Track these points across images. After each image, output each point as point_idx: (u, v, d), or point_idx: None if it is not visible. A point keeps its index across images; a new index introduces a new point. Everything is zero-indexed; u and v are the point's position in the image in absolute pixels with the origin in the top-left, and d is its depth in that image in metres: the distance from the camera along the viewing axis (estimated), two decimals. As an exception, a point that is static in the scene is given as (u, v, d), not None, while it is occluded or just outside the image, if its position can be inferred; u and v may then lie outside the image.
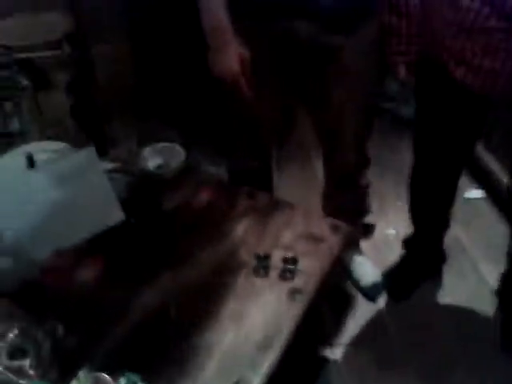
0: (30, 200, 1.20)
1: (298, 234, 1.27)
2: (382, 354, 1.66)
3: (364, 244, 1.96)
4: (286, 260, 1.17)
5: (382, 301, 1.85)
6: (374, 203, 2.11)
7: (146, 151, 1.40)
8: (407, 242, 1.90)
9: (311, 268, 1.18)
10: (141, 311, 1.07)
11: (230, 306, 1.10)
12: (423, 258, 1.87)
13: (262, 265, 1.17)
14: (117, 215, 1.19)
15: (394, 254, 2.01)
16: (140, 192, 1.31)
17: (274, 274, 1.17)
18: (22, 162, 1.29)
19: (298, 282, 1.15)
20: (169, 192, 1.35)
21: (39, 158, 1.29)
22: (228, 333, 1.04)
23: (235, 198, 1.37)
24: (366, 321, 1.78)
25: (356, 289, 1.87)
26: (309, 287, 1.14)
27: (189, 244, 1.23)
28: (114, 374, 0.89)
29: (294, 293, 1.13)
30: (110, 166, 1.39)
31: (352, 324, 1.76)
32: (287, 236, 1.26)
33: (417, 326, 1.76)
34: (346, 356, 1.63)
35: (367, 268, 1.89)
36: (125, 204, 1.24)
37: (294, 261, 1.17)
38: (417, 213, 1.79)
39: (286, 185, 2.00)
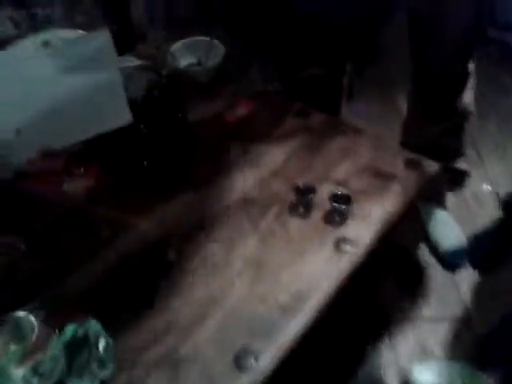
0: (31, 88, 0.98)
1: (359, 166, 0.94)
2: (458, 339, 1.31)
3: (450, 197, 1.57)
4: (335, 197, 0.85)
5: (463, 272, 1.47)
6: (470, 150, 1.70)
7: (177, 46, 1.10)
8: (508, 203, 1.48)
9: (371, 212, 0.85)
10: (131, 243, 0.81)
11: (249, 252, 0.81)
12: None
13: (303, 201, 0.86)
14: (123, 116, 0.93)
15: (487, 214, 1.59)
16: (162, 94, 1.02)
17: (317, 214, 0.86)
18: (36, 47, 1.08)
19: (349, 228, 0.84)
20: (198, 99, 1.05)
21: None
22: (241, 285, 0.76)
23: (281, 113, 1.05)
24: (439, 295, 1.42)
25: (431, 253, 1.50)
26: (364, 237, 0.82)
27: (210, 166, 0.94)
28: (75, 317, 0.65)
29: (341, 242, 0.81)
30: (133, 61, 1.11)
31: (420, 298, 1.41)
32: (343, 167, 0.93)
33: (503, 307, 1.38)
34: (409, 338, 1.30)
35: (450, 228, 1.50)
36: (140, 107, 0.97)
37: (348, 200, 0.84)
38: None
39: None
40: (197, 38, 1.10)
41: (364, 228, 0.83)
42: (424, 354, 1.24)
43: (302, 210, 0.86)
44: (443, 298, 1.40)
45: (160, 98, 1.02)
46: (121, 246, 0.81)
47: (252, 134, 1.00)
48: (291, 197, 0.88)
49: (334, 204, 0.83)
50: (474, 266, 1.48)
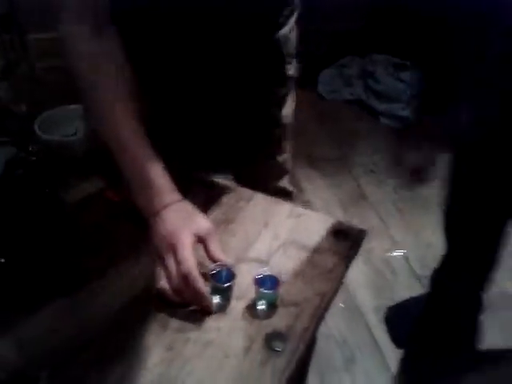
0: None
1: (280, 240, 0.79)
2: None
3: (362, 266, 1.49)
4: (260, 281, 0.68)
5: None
6: (373, 218, 1.68)
7: (48, 115, 0.91)
8: (436, 278, 1.37)
9: (300, 295, 0.70)
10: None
11: (153, 372, 0.60)
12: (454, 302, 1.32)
13: (219, 290, 0.68)
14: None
15: (402, 281, 1.54)
16: (28, 173, 0.81)
17: (239, 305, 0.68)
18: None
19: (279, 318, 0.67)
20: (76, 175, 0.86)
21: None
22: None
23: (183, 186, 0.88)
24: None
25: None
26: (297, 328, 0.65)
27: (95, 256, 0.73)
28: None
29: (273, 338, 0.64)
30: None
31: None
32: (263, 243, 0.78)
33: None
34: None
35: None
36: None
37: (275, 283, 0.68)
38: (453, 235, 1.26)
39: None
40: (74, 106, 0.92)
41: (296, 316, 0.67)
42: None
43: (218, 302, 0.68)
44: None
45: (25, 178, 0.81)
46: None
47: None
48: (203, 287, 0.70)
49: (261, 290, 0.66)
50: (393, 339, 1.38)
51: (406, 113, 2.24)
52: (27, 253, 0.71)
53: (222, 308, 0.67)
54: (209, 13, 0.82)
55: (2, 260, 0.70)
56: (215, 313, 0.66)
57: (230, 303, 0.68)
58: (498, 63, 0.91)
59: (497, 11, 0.83)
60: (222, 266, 0.68)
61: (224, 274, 0.68)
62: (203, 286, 0.63)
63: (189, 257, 0.63)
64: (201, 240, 0.67)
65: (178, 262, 0.63)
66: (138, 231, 0.77)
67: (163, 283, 0.65)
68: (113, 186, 0.85)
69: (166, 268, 0.64)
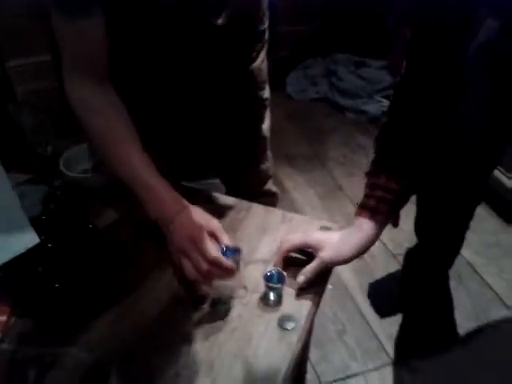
0: None
1: (278, 242, 0.97)
2: None
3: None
4: (269, 277, 0.87)
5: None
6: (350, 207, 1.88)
7: (70, 152, 1.07)
8: (409, 256, 1.59)
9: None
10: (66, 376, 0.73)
11: (198, 355, 0.77)
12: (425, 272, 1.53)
13: (237, 287, 0.86)
14: (28, 238, 0.85)
15: (380, 264, 1.75)
16: (61, 206, 0.97)
17: (254, 298, 0.86)
18: None
19: (287, 305, 0.85)
20: (101, 203, 1.02)
21: None
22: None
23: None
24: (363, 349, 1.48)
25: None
26: (302, 312, 0.84)
27: (132, 271, 0.90)
28: None
29: (284, 320, 0.82)
30: (21, 177, 1.05)
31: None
32: (264, 246, 0.96)
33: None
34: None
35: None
36: (43, 223, 0.91)
37: (281, 277, 0.87)
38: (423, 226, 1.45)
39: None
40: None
41: (300, 302, 0.85)
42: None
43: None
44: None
45: (57, 211, 0.97)
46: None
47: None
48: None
49: (270, 284, 0.84)
50: (377, 311, 1.59)
51: (368, 107, 2.43)
52: (76, 275, 0.87)
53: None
54: (185, 47, 0.99)
55: (57, 285, 0.86)
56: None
57: (240, 271, 0.85)
58: (480, 76, 0.97)
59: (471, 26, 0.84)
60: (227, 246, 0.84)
61: (231, 250, 0.84)
62: (231, 263, 0.80)
63: (211, 246, 0.80)
64: (211, 234, 0.84)
65: (202, 252, 0.79)
66: (161, 248, 0.93)
67: (192, 272, 0.80)
68: (132, 211, 1.01)
69: (191, 259, 0.80)
